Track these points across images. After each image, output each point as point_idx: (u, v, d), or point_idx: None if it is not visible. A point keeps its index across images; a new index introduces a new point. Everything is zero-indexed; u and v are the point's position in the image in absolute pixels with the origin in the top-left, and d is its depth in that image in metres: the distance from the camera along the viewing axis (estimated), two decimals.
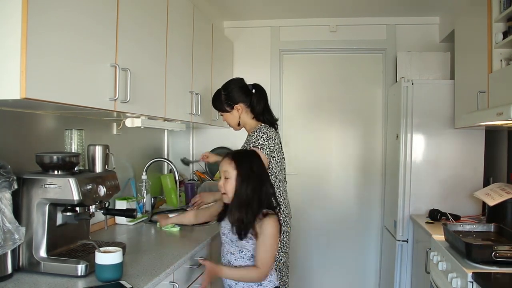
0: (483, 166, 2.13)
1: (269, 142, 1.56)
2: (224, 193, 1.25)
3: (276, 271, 1.45)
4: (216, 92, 1.70)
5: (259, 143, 1.54)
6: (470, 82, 1.91)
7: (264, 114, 1.66)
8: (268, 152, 1.54)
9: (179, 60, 1.79)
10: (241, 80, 1.69)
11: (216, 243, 1.71)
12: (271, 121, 1.67)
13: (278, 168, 1.61)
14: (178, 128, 2.04)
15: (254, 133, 1.58)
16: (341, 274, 2.81)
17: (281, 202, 1.57)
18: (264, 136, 1.55)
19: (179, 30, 1.78)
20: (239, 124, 1.67)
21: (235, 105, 1.64)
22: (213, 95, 1.71)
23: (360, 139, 2.81)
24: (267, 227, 1.20)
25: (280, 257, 1.56)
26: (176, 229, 1.67)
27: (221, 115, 1.72)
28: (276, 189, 1.54)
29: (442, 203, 2.12)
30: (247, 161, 1.25)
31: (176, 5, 1.73)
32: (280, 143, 1.70)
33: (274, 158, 1.58)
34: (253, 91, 1.66)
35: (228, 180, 1.23)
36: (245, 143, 1.64)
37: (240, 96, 1.64)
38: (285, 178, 1.72)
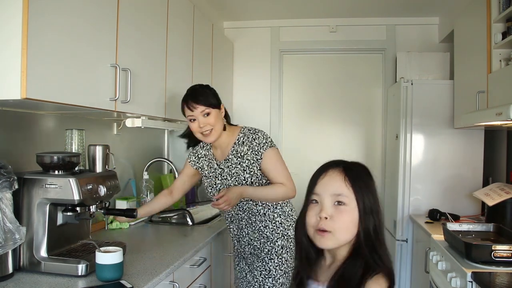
0: (483, 166, 2.13)
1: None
2: (325, 231, 0.74)
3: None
4: (202, 86, 1.40)
5: (270, 140, 1.38)
6: (469, 82, 1.91)
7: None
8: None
9: (179, 60, 1.80)
10: None
11: (217, 243, 1.72)
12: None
13: None
14: (178, 128, 2.05)
15: (256, 137, 1.38)
16: None
17: (290, 204, 1.50)
18: (266, 133, 1.41)
19: (179, 30, 1.78)
20: (224, 129, 1.38)
21: (221, 104, 1.39)
22: (199, 89, 1.37)
23: (360, 139, 2.81)
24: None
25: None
26: (126, 225, 1.67)
27: (207, 113, 1.33)
28: None
29: (442, 203, 2.12)
30: (370, 184, 0.80)
31: (176, 6, 1.73)
32: None
33: None
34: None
35: (342, 209, 0.73)
36: (231, 154, 1.38)
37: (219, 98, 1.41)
38: None
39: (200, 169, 1.49)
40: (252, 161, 1.36)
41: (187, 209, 1.90)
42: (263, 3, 2.52)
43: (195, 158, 1.49)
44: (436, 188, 2.16)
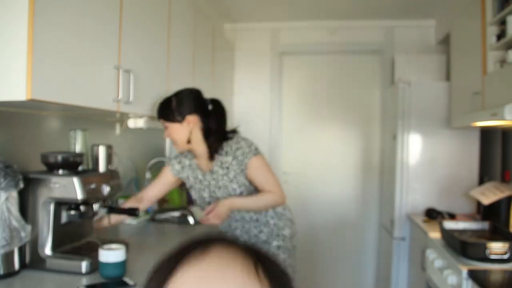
0: (478, 166, 2.16)
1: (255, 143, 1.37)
2: None
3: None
4: (166, 99, 1.34)
5: (254, 148, 1.33)
6: (465, 83, 1.94)
7: (217, 138, 1.31)
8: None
9: (181, 62, 1.82)
10: (197, 91, 1.37)
11: None
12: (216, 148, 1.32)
13: None
14: None
15: (239, 147, 1.32)
16: (339, 272, 2.83)
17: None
18: (249, 141, 1.35)
19: (180, 32, 1.80)
20: (188, 142, 1.32)
21: (188, 116, 1.29)
22: (161, 102, 1.34)
23: (358, 140, 2.84)
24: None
25: (285, 257, 1.46)
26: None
27: (166, 127, 1.32)
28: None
29: (438, 202, 2.15)
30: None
31: (178, 8, 1.76)
32: None
33: None
34: (210, 107, 1.34)
35: None
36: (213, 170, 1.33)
37: (196, 107, 1.31)
38: None
39: (185, 179, 1.43)
40: (238, 171, 1.32)
41: (189, 208, 1.92)
42: (264, 6, 2.54)
43: (178, 167, 1.43)
44: (433, 187, 2.19)
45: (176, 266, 0.36)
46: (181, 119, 1.30)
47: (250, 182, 1.36)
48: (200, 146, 1.33)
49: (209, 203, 1.39)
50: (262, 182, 1.35)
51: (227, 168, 1.34)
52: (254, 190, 1.39)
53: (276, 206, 1.41)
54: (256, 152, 1.35)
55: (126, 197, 1.79)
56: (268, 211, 1.43)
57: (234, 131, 1.39)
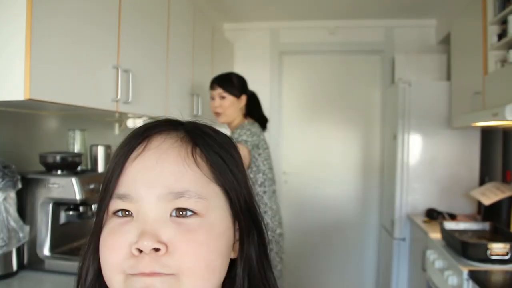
0: (479, 166, 2.16)
1: (253, 138, 1.50)
2: (157, 276, 0.36)
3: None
4: (227, 74, 1.61)
5: (242, 139, 1.47)
6: (466, 83, 1.94)
7: (259, 117, 1.62)
8: (252, 148, 1.48)
9: (180, 62, 1.81)
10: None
11: None
12: (262, 122, 1.63)
13: (266, 166, 1.55)
14: None
15: (236, 130, 1.52)
16: (339, 272, 2.83)
17: (268, 205, 1.51)
18: (247, 133, 1.49)
19: (180, 32, 1.80)
20: (233, 115, 1.57)
21: (244, 95, 1.56)
22: (220, 75, 1.60)
23: (358, 140, 2.84)
24: None
25: (276, 263, 1.50)
26: None
27: (223, 97, 1.55)
28: (264, 188, 1.51)
29: (439, 202, 2.15)
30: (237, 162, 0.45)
31: (177, 8, 1.75)
32: (266, 142, 1.62)
33: (261, 155, 1.52)
34: (252, 95, 1.64)
35: (191, 226, 0.36)
36: None
37: (247, 90, 1.60)
38: (274, 179, 1.60)
39: None
40: None
41: None
42: (263, 5, 2.54)
43: None
44: (433, 188, 2.18)
45: (124, 162, 0.38)
46: (239, 95, 1.54)
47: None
48: (236, 120, 1.56)
49: None
50: None
51: None
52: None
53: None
54: (240, 140, 1.46)
55: None
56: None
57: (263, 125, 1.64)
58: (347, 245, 2.82)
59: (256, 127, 1.55)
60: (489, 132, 2.17)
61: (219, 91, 1.54)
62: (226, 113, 1.54)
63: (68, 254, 1.14)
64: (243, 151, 1.44)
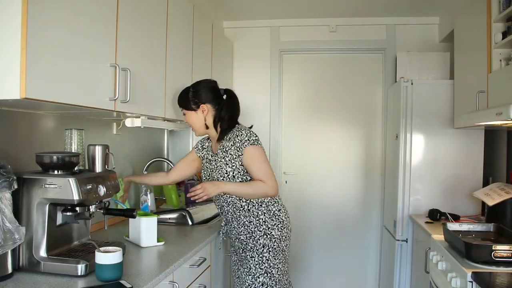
0: (483, 166, 2.13)
1: (258, 137, 1.47)
2: None
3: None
4: (184, 89, 1.55)
5: (253, 139, 1.43)
6: (469, 82, 1.91)
7: (224, 121, 1.46)
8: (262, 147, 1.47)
9: (179, 60, 1.80)
10: (213, 82, 1.55)
11: (217, 243, 1.72)
12: (223, 131, 1.47)
13: None
14: (178, 128, 2.04)
15: (240, 134, 1.44)
16: (341, 274, 2.81)
17: (279, 202, 1.52)
18: (252, 132, 1.46)
19: (179, 30, 1.78)
20: (207, 128, 1.50)
21: (202, 105, 1.47)
22: (180, 92, 1.55)
23: (360, 139, 2.81)
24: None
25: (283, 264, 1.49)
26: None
27: (184, 114, 1.53)
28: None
29: (442, 203, 2.12)
30: None
31: (176, 5, 1.73)
32: None
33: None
34: (224, 96, 1.51)
35: None
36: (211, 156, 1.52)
37: (209, 96, 1.48)
38: None
39: (202, 158, 1.60)
40: (234, 156, 1.44)
41: (187, 209, 1.90)
42: (263, 3, 2.52)
43: (200, 146, 1.63)
44: (436, 188, 2.16)
45: None
46: (196, 108, 1.49)
47: (246, 170, 1.44)
48: (212, 130, 1.51)
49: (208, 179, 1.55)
50: (255, 170, 1.43)
51: (226, 152, 1.46)
52: (250, 178, 1.45)
53: (267, 196, 1.46)
54: (254, 142, 1.44)
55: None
56: (261, 205, 1.47)
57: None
58: (348, 246, 2.80)
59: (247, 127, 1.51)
60: (493, 131, 2.15)
61: (181, 110, 1.54)
62: (195, 128, 1.52)
63: (65, 256, 1.12)
64: (260, 149, 1.44)
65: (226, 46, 2.65)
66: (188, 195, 1.41)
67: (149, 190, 1.89)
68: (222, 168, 1.45)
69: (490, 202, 1.72)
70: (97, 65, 1.16)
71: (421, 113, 2.17)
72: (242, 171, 1.44)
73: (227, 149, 1.45)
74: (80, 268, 1.06)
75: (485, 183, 2.08)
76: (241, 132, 1.45)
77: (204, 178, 1.56)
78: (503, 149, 2.07)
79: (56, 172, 1.10)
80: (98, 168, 1.24)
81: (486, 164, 2.14)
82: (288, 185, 2.86)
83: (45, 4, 0.94)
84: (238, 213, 1.49)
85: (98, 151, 1.24)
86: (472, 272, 1.23)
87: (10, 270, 1.03)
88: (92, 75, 1.14)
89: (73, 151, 1.27)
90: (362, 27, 2.73)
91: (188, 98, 1.50)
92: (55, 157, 1.10)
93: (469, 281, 1.22)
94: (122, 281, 1.01)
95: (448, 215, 1.90)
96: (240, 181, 1.44)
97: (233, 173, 1.44)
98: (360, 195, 2.81)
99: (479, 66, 1.76)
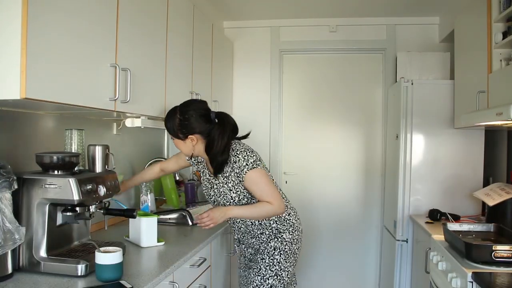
0: (483, 166, 2.13)
1: (254, 154, 1.39)
2: None
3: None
4: (171, 112, 1.37)
5: (252, 161, 1.35)
6: (470, 82, 1.91)
7: (221, 155, 1.34)
8: (262, 166, 1.39)
9: (179, 60, 1.79)
10: (203, 105, 1.39)
11: (217, 243, 1.72)
12: (223, 164, 1.36)
13: (271, 176, 1.49)
14: None
15: (238, 156, 1.36)
16: (341, 274, 2.81)
17: (289, 206, 1.51)
18: (248, 153, 1.37)
19: (179, 30, 1.78)
20: (191, 155, 1.41)
21: (190, 136, 1.35)
22: (167, 114, 1.39)
23: (360, 139, 2.81)
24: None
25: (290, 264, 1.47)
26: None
27: (172, 138, 1.42)
28: (280, 191, 1.50)
29: (442, 203, 2.12)
30: None
31: (176, 5, 1.73)
32: None
33: (265, 167, 1.43)
34: (216, 120, 1.36)
35: None
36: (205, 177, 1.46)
37: (199, 126, 1.34)
38: None
39: (198, 171, 1.55)
40: (236, 182, 1.39)
41: (187, 209, 1.90)
42: (263, 3, 2.52)
43: (194, 160, 1.56)
44: (436, 188, 2.16)
45: None
46: (183, 138, 1.37)
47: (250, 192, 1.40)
48: (204, 155, 1.42)
49: (213, 203, 1.49)
50: (260, 195, 1.38)
51: (227, 177, 1.40)
52: (256, 199, 1.41)
53: (275, 215, 1.44)
54: (253, 166, 1.36)
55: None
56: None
57: (243, 137, 1.44)
58: (348, 246, 2.80)
59: (242, 143, 1.43)
60: (493, 131, 2.14)
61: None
62: (184, 152, 1.42)
63: (65, 256, 1.12)
64: (261, 172, 1.36)
65: (226, 46, 2.65)
66: (194, 222, 1.37)
67: (149, 190, 1.89)
68: (226, 194, 1.41)
69: (491, 202, 1.72)
70: (97, 65, 1.16)
71: (421, 113, 2.17)
72: (247, 193, 1.40)
73: (226, 174, 1.39)
74: (80, 268, 1.06)
75: (486, 183, 2.08)
76: (238, 157, 1.35)
77: (207, 197, 1.50)
78: (503, 149, 2.07)
79: (56, 172, 1.10)
80: (98, 168, 1.24)
81: (486, 164, 2.14)
82: (288, 185, 2.86)
83: (45, 4, 0.94)
84: (251, 228, 1.48)
85: (98, 151, 1.24)
86: (473, 272, 1.23)
87: (10, 270, 1.03)
88: (92, 75, 1.14)
89: (73, 151, 1.27)
90: (362, 27, 2.73)
91: (175, 127, 1.35)
92: (55, 157, 1.10)
93: (469, 281, 1.22)
94: (122, 281, 1.01)
95: (448, 215, 1.90)
96: (246, 202, 1.40)
97: (239, 197, 1.40)
98: (360, 195, 2.81)
99: (479, 66, 1.76)
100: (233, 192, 1.40)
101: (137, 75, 1.37)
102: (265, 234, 1.46)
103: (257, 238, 1.48)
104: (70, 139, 1.27)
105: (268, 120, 2.83)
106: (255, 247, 1.50)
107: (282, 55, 2.86)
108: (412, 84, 2.18)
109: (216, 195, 1.45)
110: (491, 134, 2.16)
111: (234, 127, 1.39)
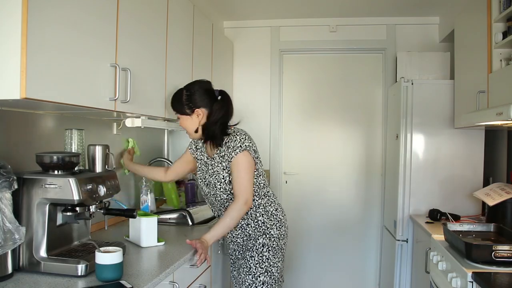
0: (483, 166, 2.13)
1: (252, 142, 1.45)
2: None
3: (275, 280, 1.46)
4: (177, 92, 1.48)
5: (246, 145, 1.40)
6: (470, 82, 1.91)
7: (215, 125, 1.41)
8: (254, 155, 1.44)
9: (179, 60, 1.79)
10: (207, 83, 1.49)
11: (217, 243, 1.71)
12: (215, 136, 1.42)
13: (262, 168, 1.52)
14: (178, 128, 2.04)
15: (236, 137, 1.41)
16: (341, 274, 2.81)
17: (275, 202, 1.53)
18: (247, 138, 1.43)
19: (179, 30, 1.78)
20: (196, 131, 1.45)
21: (196, 109, 1.42)
22: (173, 94, 1.49)
23: (360, 139, 2.81)
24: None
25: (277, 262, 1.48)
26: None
27: (178, 118, 1.48)
28: (267, 188, 1.51)
29: (442, 203, 2.12)
30: None
31: (176, 5, 1.73)
32: None
33: (258, 159, 1.49)
34: (219, 97, 1.45)
35: None
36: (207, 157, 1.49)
37: (204, 100, 1.42)
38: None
39: (196, 159, 1.58)
40: (228, 161, 1.42)
41: (187, 209, 1.90)
42: (263, 3, 2.52)
43: (194, 147, 1.59)
44: (436, 188, 2.16)
45: None
46: (190, 112, 1.44)
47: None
48: (203, 135, 1.47)
49: (206, 185, 1.50)
50: (235, 179, 1.41)
51: (222, 157, 1.44)
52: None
53: (243, 214, 1.42)
54: (246, 148, 1.41)
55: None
56: (258, 207, 1.47)
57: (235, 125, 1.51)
58: (348, 246, 2.80)
59: (245, 131, 1.49)
60: (494, 131, 2.14)
61: (174, 112, 1.49)
62: (189, 132, 1.47)
63: (65, 256, 1.12)
64: (248, 157, 1.41)
65: (226, 46, 2.65)
66: (198, 266, 1.35)
67: (149, 190, 1.89)
68: (219, 174, 1.44)
69: (491, 202, 1.72)
70: (97, 65, 1.16)
71: (421, 113, 2.17)
72: None
73: (223, 154, 1.43)
74: (80, 268, 1.06)
75: (486, 183, 2.07)
76: (236, 137, 1.41)
77: (199, 180, 1.53)
78: (503, 149, 2.07)
79: (56, 172, 1.10)
80: (98, 168, 1.24)
81: (487, 164, 2.14)
82: (288, 185, 2.86)
83: (45, 3, 0.93)
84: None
85: (98, 151, 1.24)
86: (473, 272, 1.23)
87: (10, 270, 1.03)
88: (92, 75, 1.14)
89: (73, 151, 1.27)
90: (362, 27, 2.73)
91: (182, 102, 1.43)
92: (55, 157, 1.10)
93: (470, 281, 1.22)
94: (122, 281, 1.01)
95: (449, 215, 1.90)
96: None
97: (229, 177, 1.42)
98: (360, 195, 2.81)
99: (479, 66, 1.76)
100: (225, 172, 1.42)
101: (137, 75, 1.37)
102: (250, 226, 1.46)
103: (242, 230, 1.47)
104: (70, 139, 1.27)
105: (268, 119, 2.83)
106: (240, 243, 1.49)
107: (282, 55, 2.86)
108: (412, 84, 2.18)
109: (209, 175, 1.47)
110: (491, 134, 2.16)
111: (232, 108, 1.48)
